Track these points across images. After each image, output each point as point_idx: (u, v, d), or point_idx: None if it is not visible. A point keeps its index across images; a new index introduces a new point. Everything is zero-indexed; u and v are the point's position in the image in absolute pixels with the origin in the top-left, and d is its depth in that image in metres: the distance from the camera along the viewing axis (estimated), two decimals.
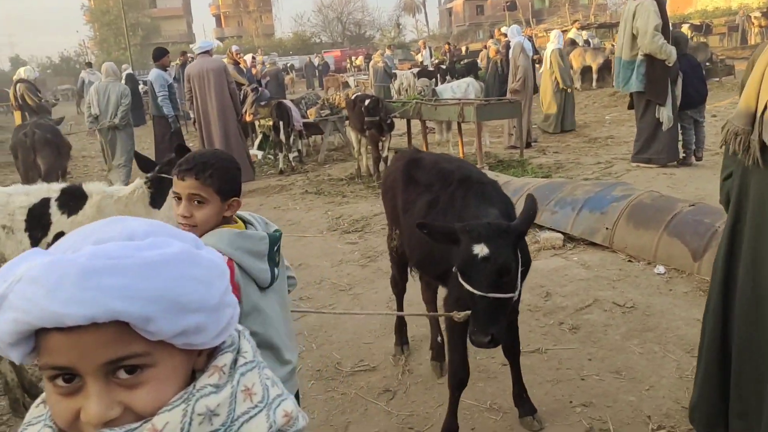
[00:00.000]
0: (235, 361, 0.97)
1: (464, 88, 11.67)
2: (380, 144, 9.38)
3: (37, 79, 14.61)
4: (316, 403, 3.86)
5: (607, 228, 5.76)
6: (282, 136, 11.34)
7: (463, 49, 37.07)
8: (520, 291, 2.77)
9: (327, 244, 6.81)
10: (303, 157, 12.36)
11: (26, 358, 0.86)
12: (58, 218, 3.79)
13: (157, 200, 3.87)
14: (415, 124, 11.35)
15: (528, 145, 10.92)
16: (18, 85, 12.68)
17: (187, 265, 0.87)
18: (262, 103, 13.09)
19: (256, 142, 13.91)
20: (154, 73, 10.74)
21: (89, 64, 22.48)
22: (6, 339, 0.83)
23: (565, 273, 5.35)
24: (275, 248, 2.09)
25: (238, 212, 2.12)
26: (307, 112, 12.45)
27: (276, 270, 2.08)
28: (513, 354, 3.47)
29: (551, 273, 5.37)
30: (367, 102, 8.73)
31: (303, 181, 10.29)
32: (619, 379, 3.77)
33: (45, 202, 3.83)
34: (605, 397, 3.60)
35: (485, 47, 22.18)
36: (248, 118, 13.67)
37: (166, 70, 10.97)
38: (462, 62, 25.76)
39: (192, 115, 11.48)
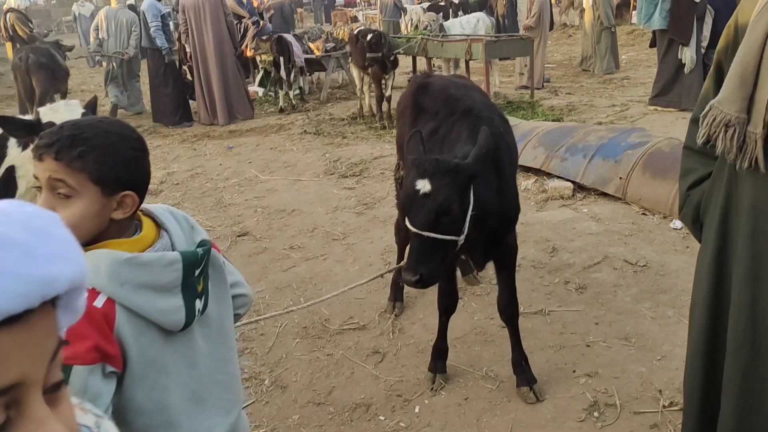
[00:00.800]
0: None
1: (474, 23, 11.04)
2: (383, 82, 8.88)
3: (41, 10, 14.22)
4: (299, 365, 3.59)
5: (620, 178, 5.35)
6: (282, 73, 10.81)
7: None
8: (464, 235, 2.55)
9: (322, 189, 6.45)
10: (305, 95, 11.86)
11: None
12: (12, 151, 3.51)
13: None
14: (422, 61, 10.78)
15: (540, 86, 10.39)
16: (8, 14, 12.10)
17: None
18: (264, 38, 12.49)
19: (257, 79, 13.38)
20: (146, 3, 10.15)
21: None
22: None
23: (574, 226, 4.99)
24: (198, 270, 1.39)
25: (151, 207, 1.47)
26: (310, 46, 11.87)
27: (199, 302, 1.41)
28: (509, 315, 3.18)
29: (558, 226, 5.01)
30: (369, 37, 8.20)
31: (303, 120, 9.85)
32: (628, 346, 3.46)
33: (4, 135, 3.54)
34: (612, 367, 3.30)
35: None
36: (249, 54, 13.10)
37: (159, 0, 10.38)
38: None
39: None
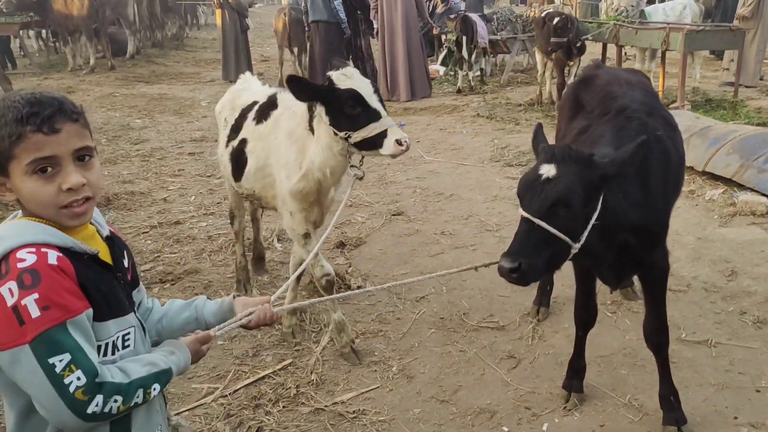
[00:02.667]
0: None
1: (679, 10, 10.05)
2: (567, 69, 8.41)
3: None
4: (430, 357, 3.48)
5: None
6: (464, 53, 10.64)
7: None
8: (580, 243, 2.20)
9: (485, 175, 6.25)
10: (485, 77, 11.61)
11: None
12: (248, 124, 3.51)
13: (312, 126, 3.18)
14: (613, 49, 10.04)
15: (752, 85, 9.25)
16: None
17: None
18: (452, 16, 12.40)
19: (440, 57, 13.34)
20: None
21: None
22: None
23: (762, 249, 4.36)
24: None
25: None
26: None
27: None
28: (656, 344, 2.80)
29: (743, 246, 4.40)
30: (555, 20, 7.76)
31: (478, 102, 9.63)
32: None
33: (252, 106, 3.57)
34: None
35: None
36: (435, 32, 13.09)
37: None
38: None
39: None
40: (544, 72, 9.10)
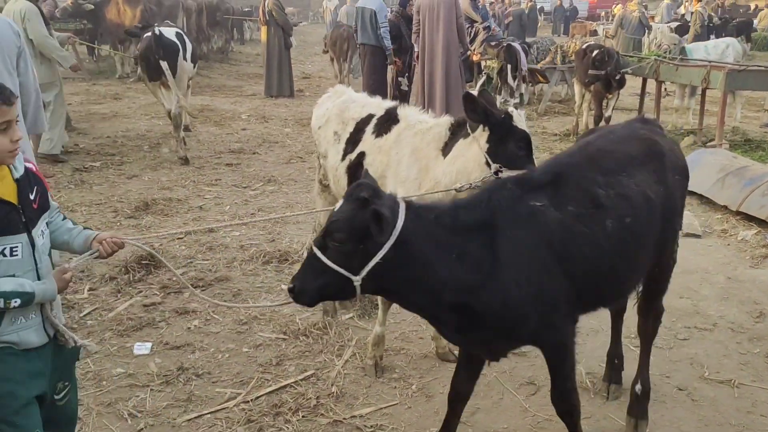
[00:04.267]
0: None
1: (722, 49, 9.99)
2: (605, 101, 8.41)
3: (302, 1, 15.53)
4: (450, 376, 3.49)
5: None
6: (509, 80, 10.77)
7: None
8: (361, 277, 2.22)
9: None
10: (524, 105, 11.66)
11: None
12: (367, 137, 3.52)
13: (447, 148, 3.22)
14: (652, 85, 10.02)
15: None
16: (266, 1, 13.40)
17: None
18: (492, 43, 12.50)
19: (479, 83, 13.43)
20: (376, 2, 10.57)
21: None
22: None
23: None
24: None
25: None
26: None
27: None
28: (561, 413, 2.66)
29: None
30: (594, 53, 7.80)
31: None
32: None
33: (368, 119, 3.58)
34: None
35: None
36: (475, 58, 13.20)
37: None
38: (734, 21, 22.44)
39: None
40: (581, 103, 9.12)
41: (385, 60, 10.58)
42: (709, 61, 8.76)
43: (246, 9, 22.81)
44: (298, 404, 3.23)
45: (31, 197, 2.08)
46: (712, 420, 3.09)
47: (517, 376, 3.52)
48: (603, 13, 38.90)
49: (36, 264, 2.07)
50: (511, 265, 2.31)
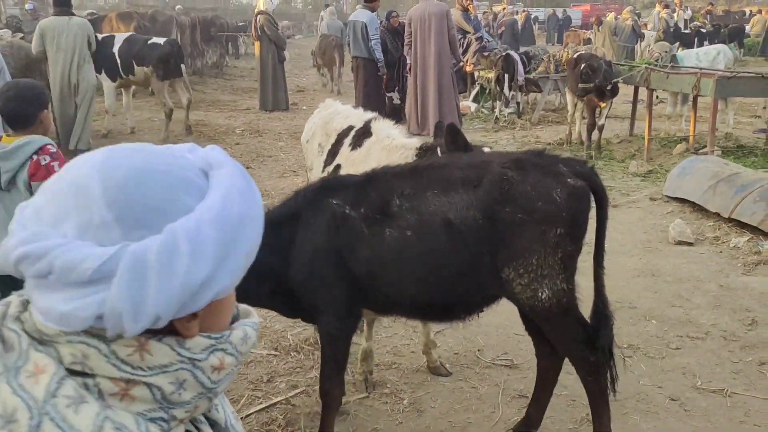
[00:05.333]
0: None
1: (713, 56, 10.05)
2: (598, 110, 8.44)
3: (297, 14, 15.67)
4: (442, 391, 3.50)
5: None
6: (506, 90, 10.88)
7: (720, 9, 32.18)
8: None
9: None
10: (519, 114, 11.72)
11: None
12: (344, 149, 3.55)
13: None
14: (644, 92, 10.05)
15: None
16: (258, 16, 13.44)
17: None
18: (485, 53, 12.56)
19: (472, 94, 13.47)
20: (366, 15, 10.59)
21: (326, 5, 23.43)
22: None
23: None
24: None
25: None
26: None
27: None
28: (323, 393, 2.93)
29: (766, 296, 4.35)
30: (582, 66, 7.83)
31: (507, 140, 9.70)
32: None
33: (348, 131, 3.61)
34: None
35: (760, 12, 19.15)
36: (468, 69, 13.25)
37: (374, 12, 10.88)
38: (726, 27, 22.56)
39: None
40: (574, 112, 9.14)
41: (377, 72, 10.61)
42: (700, 69, 8.80)
43: (240, 24, 22.93)
44: (287, 420, 3.21)
45: None
46: (704, 430, 3.07)
47: (509, 389, 3.50)
48: (594, 21, 39.16)
49: None
50: (300, 250, 2.66)
